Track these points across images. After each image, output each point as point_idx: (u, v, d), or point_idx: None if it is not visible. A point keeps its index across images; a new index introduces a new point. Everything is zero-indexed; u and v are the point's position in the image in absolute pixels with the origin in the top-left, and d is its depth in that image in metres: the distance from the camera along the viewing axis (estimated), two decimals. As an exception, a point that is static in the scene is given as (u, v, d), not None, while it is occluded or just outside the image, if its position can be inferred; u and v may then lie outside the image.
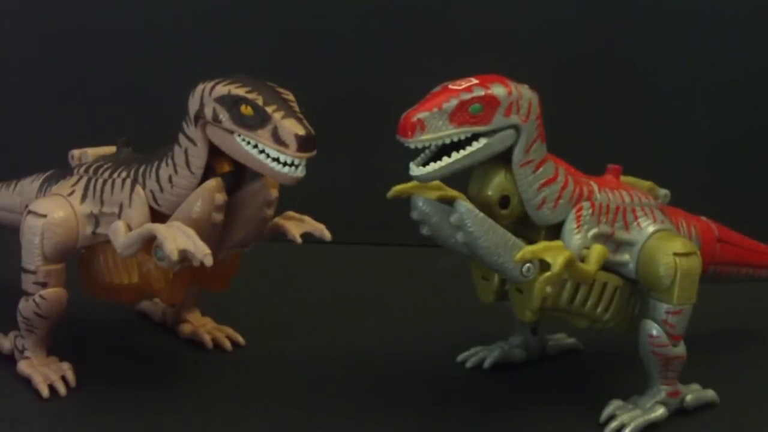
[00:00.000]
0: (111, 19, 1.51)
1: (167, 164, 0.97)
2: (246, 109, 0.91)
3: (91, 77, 1.52)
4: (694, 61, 1.51)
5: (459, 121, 0.90)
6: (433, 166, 0.90)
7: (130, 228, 0.97)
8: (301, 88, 0.96)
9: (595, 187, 0.98)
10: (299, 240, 1.01)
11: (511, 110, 0.91)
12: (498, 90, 0.91)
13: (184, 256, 0.92)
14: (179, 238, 0.92)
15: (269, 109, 0.91)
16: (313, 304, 1.28)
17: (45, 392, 1.01)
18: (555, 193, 0.94)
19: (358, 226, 1.47)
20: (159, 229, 0.93)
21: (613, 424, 0.99)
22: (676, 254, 0.97)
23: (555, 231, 0.96)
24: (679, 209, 1.07)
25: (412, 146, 0.89)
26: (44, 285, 1.00)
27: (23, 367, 1.04)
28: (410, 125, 0.88)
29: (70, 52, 1.52)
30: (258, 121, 0.91)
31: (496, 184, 0.93)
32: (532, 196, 0.94)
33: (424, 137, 0.89)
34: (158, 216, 0.98)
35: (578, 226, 0.95)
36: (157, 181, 0.98)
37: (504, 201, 0.94)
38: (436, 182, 0.98)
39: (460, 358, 1.13)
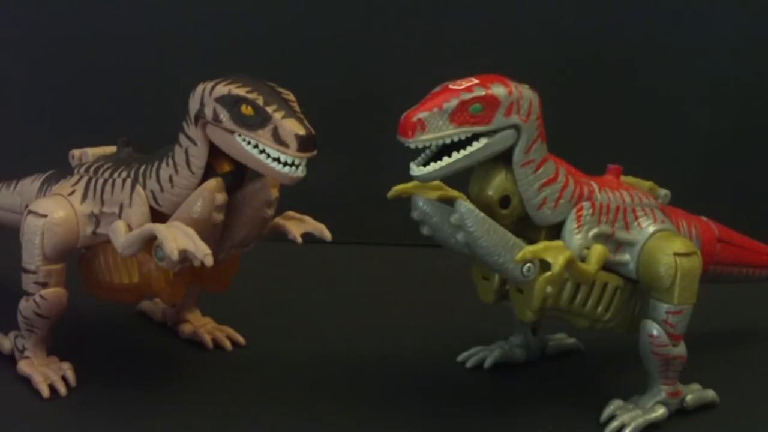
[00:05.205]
0: (111, 19, 1.51)
1: (168, 164, 0.97)
2: (246, 109, 0.91)
3: (92, 77, 1.52)
4: (694, 61, 1.51)
5: (459, 121, 0.90)
6: (433, 166, 0.90)
7: (130, 228, 0.97)
8: (302, 88, 0.96)
9: (596, 187, 0.98)
10: (299, 240, 1.01)
11: (511, 110, 0.91)
12: (498, 90, 0.91)
13: (185, 256, 0.92)
14: (179, 238, 0.92)
15: (269, 109, 0.91)
16: (313, 304, 1.29)
17: (45, 392, 1.01)
18: (555, 192, 0.94)
19: (358, 226, 1.47)
20: (159, 228, 0.93)
21: (614, 424, 0.99)
22: (676, 254, 0.97)
23: (555, 231, 0.96)
24: (679, 209, 1.07)
25: (413, 146, 0.89)
26: (44, 285, 1.00)
27: (23, 367, 1.04)
28: (410, 125, 0.88)
29: (71, 51, 1.52)
30: (258, 121, 0.91)
31: (497, 184, 0.93)
32: (532, 196, 0.94)
33: (424, 137, 0.89)
34: (159, 216, 0.98)
35: (579, 226, 0.95)
36: (158, 180, 0.98)
37: (504, 201, 0.94)
38: (437, 182, 0.98)
39: (460, 358, 1.13)
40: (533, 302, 0.94)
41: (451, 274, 1.18)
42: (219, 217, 0.96)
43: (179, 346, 1.15)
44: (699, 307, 0.98)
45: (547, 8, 1.50)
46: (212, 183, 0.95)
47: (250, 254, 1.05)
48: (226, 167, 0.97)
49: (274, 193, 0.98)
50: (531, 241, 0.94)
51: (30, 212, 1.01)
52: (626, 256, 0.99)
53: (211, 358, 1.13)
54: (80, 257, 1.03)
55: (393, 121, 0.90)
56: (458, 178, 0.94)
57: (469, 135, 0.90)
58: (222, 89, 0.93)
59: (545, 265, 0.91)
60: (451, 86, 0.91)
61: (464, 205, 0.90)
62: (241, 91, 0.92)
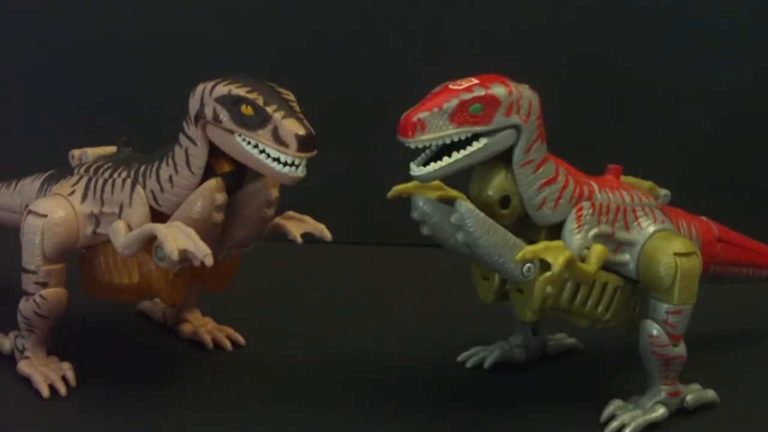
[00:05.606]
0: (111, 19, 1.51)
1: (168, 164, 0.97)
2: (246, 109, 0.91)
3: (92, 77, 1.52)
4: (694, 61, 1.51)
5: (459, 121, 0.90)
6: (433, 166, 0.90)
7: (130, 228, 0.97)
8: (302, 88, 0.96)
9: (596, 187, 0.98)
10: (299, 240, 1.01)
11: (511, 110, 0.91)
12: (498, 90, 0.91)
13: (185, 256, 0.92)
14: (179, 238, 0.92)
15: (269, 109, 0.91)
16: (313, 304, 1.29)
17: (45, 392, 1.01)
18: (555, 193, 0.94)
19: (358, 226, 1.47)
20: (159, 228, 0.93)
21: (614, 424, 0.99)
22: (676, 254, 0.97)
23: (555, 231, 0.96)
24: (679, 209, 1.07)
25: (413, 146, 0.89)
26: (44, 285, 1.00)
27: (23, 367, 1.04)
28: (411, 125, 0.88)
29: (71, 52, 1.52)
30: (258, 121, 0.91)
31: (497, 184, 0.93)
32: (532, 196, 0.94)
33: (424, 137, 0.89)
34: (159, 216, 0.98)
35: (579, 226, 0.95)
36: (158, 180, 0.98)
37: (504, 201, 0.94)
38: (437, 182, 0.98)
39: (460, 358, 1.13)
40: (533, 302, 0.94)
41: (451, 274, 1.18)
42: (219, 217, 0.96)
43: (179, 346, 1.15)
44: (699, 307, 0.98)
45: (546, 8, 1.50)
46: (212, 183, 0.95)
47: (250, 254, 1.05)
48: (226, 167, 0.97)
49: (274, 193, 0.98)
50: (531, 241, 0.94)
51: (30, 212, 1.01)
52: (626, 256, 0.99)
53: (211, 358, 1.13)
54: (80, 257, 1.03)
55: (393, 121, 0.90)
56: (458, 178, 0.94)
57: (469, 135, 0.90)
58: (222, 89, 0.93)
59: (545, 265, 0.91)
60: (451, 86, 0.91)
61: (464, 205, 0.90)
62: (241, 91, 0.92)
